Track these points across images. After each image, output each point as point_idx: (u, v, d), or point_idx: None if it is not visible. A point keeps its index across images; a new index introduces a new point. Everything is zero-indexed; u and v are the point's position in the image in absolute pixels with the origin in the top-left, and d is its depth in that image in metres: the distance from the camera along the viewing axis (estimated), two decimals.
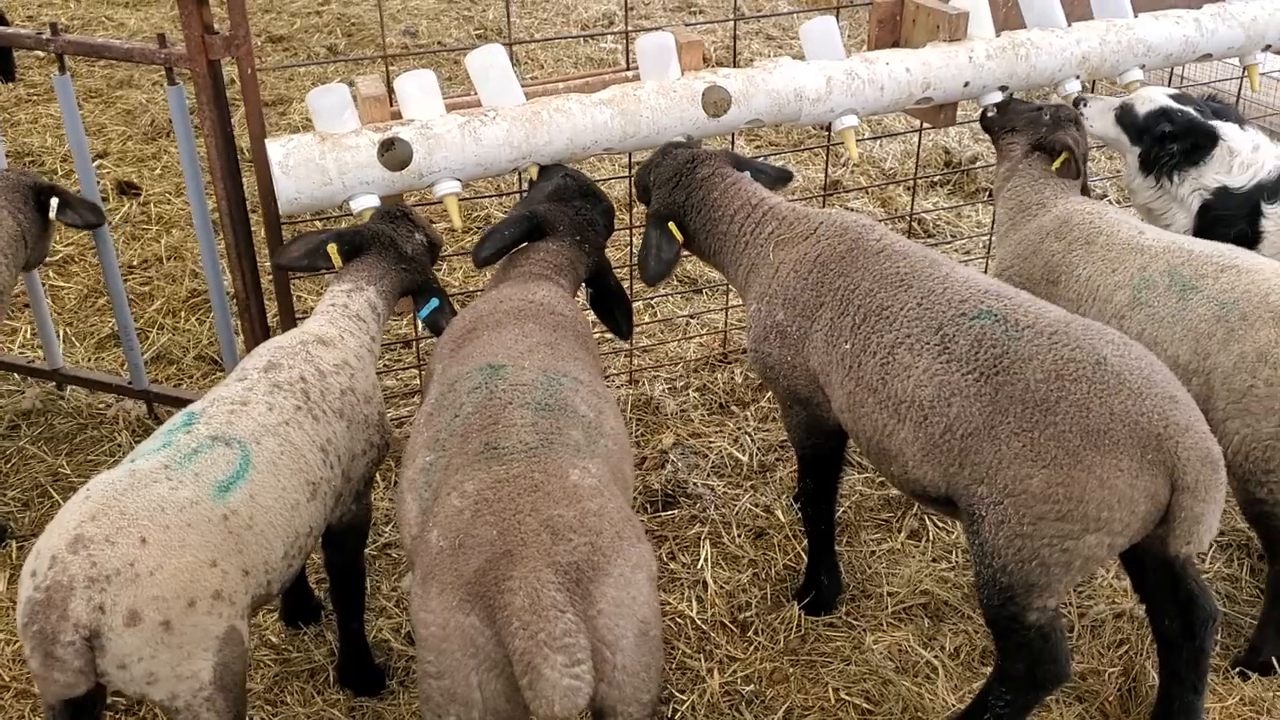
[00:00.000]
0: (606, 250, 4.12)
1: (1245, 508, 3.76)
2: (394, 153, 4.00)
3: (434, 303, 3.94)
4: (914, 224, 6.73)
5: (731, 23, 9.85)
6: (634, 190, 4.35)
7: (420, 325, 4.08)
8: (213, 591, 2.81)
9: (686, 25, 9.20)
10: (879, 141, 7.73)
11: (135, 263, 6.38)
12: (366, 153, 3.98)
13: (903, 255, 3.53)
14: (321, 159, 3.94)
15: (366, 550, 4.32)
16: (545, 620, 2.36)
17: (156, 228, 6.70)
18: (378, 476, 4.66)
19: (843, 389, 3.49)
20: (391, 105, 4.29)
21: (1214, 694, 3.70)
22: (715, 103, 4.39)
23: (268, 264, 4.29)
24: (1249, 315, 3.64)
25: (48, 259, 5.78)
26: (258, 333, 4.40)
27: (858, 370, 3.43)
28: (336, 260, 3.81)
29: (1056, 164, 4.28)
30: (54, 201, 4.50)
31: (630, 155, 5.00)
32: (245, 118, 4.07)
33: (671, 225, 4.01)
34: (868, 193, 7.17)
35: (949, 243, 6.63)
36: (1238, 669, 3.82)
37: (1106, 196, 6.91)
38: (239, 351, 4.57)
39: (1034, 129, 4.37)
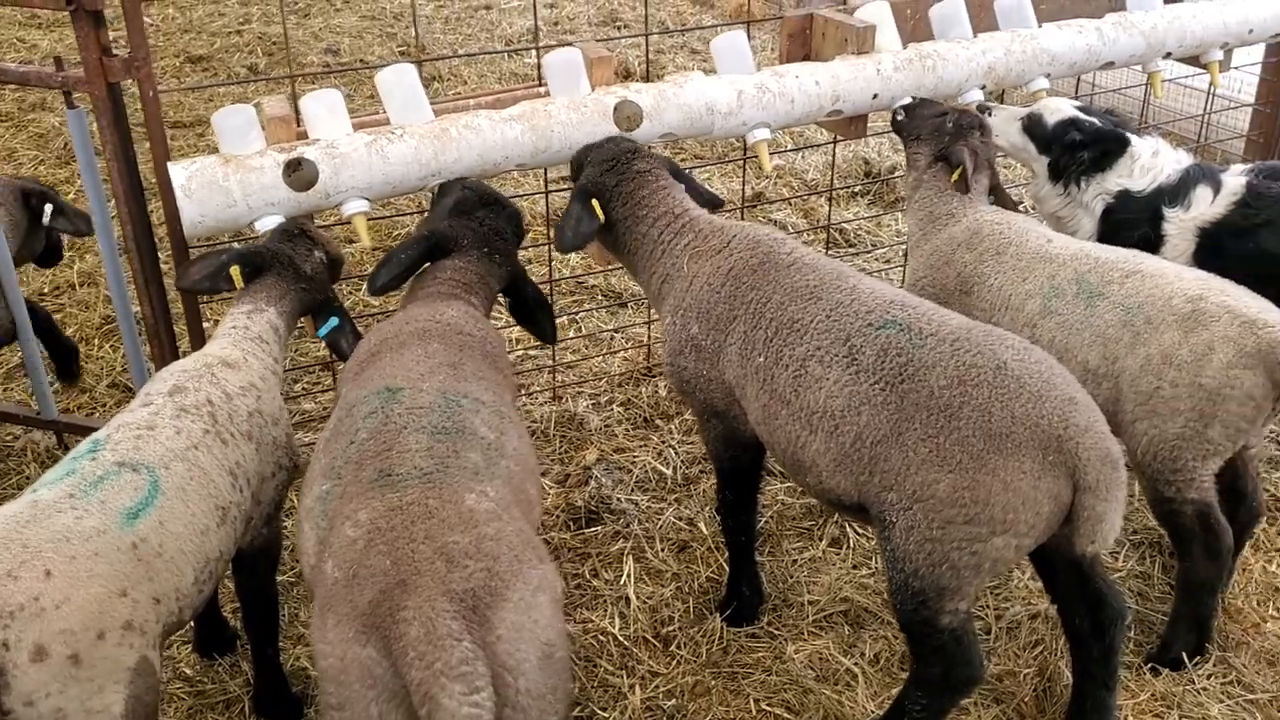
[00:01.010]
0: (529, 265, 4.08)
1: (1155, 506, 3.83)
2: (300, 173, 3.96)
3: (333, 321, 3.91)
4: (836, 234, 6.80)
5: (654, 36, 9.89)
6: (571, 169, 4.30)
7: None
8: (123, 622, 2.74)
9: (601, 40, 9.23)
10: (801, 153, 7.80)
11: (47, 289, 6.24)
12: (271, 174, 3.93)
13: (812, 268, 3.56)
14: (225, 181, 3.88)
15: (285, 577, 4.27)
16: (441, 649, 2.33)
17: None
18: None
19: (757, 402, 3.50)
20: (299, 125, 4.24)
21: (1127, 690, 3.76)
22: (628, 117, 4.39)
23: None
24: (1153, 319, 3.72)
25: None
26: (168, 358, 4.31)
27: (771, 383, 3.44)
28: (239, 281, 3.76)
29: (954, 177, 4.33)
30: (47, 207, 4.93)
31: (546, 171, 4.99)
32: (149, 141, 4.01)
33: (595, 203, 3.98)
34: (790, 204, 7.23)
35: (869, 252, 6.70)
36: (1150, 665, 3.88)
37: (1023, 203, 7.01)
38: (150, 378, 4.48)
39: (937, 138, 4.40)
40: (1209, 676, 3.83)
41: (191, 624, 3.93)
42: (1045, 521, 3.07)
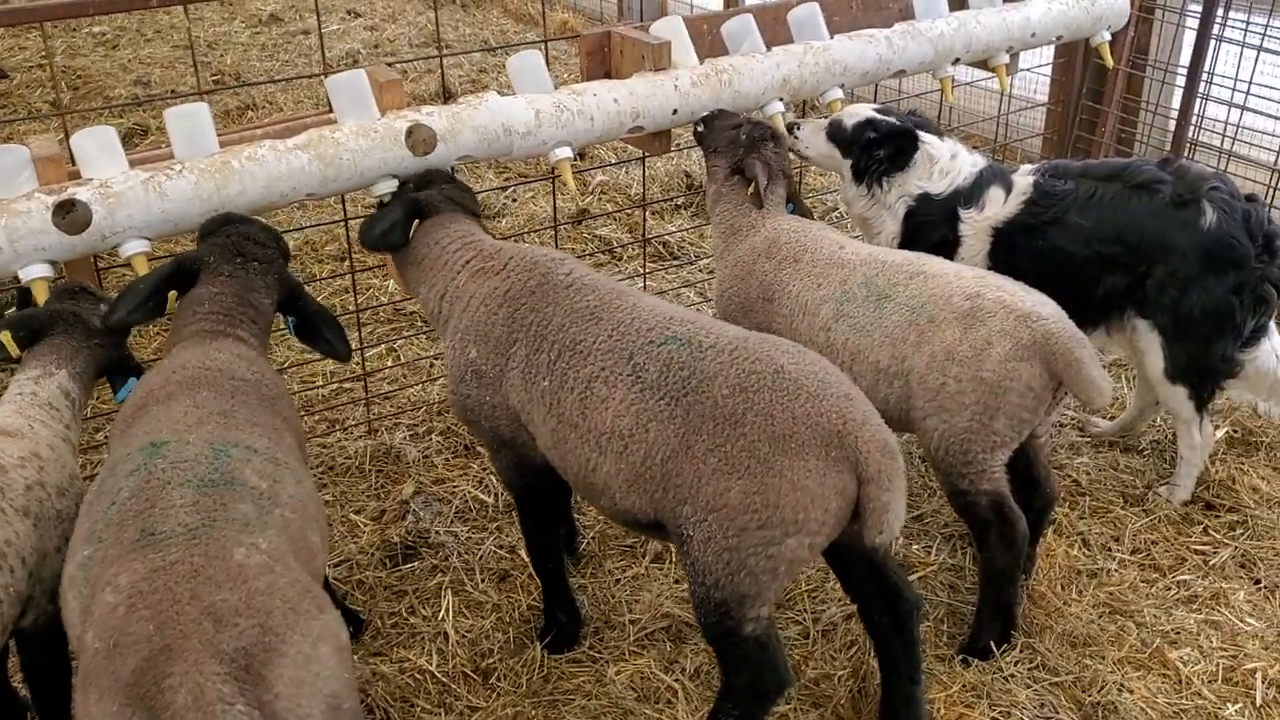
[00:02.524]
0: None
1: (951, 500, 3.93)
2: (73, 215, 3.76)
3: (132, 381, 3.68)
4: (660, 246, 6.84)
5: (477, 56, 9.81)
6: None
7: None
8: None
9: (390, 63, 9.11)
10: (624, 168, 7.83)
11: None
12: (40, 217, 3.73)
13: (591, 288, 3.56)
14: None
15: None
16: (211, 716, 2.23)
17: None
18: None
19: (545, 426, 3.47)
20: (71, 165, 4.04)
21: (939, 683, 3.84)
22: (422, 141, 4.31)
23: None
24: (936, 318, 3.83)
25: None
26: None
27: (558, 407, 3.41)
28: (13, 349, 3.51)
29: (749, 191, 4.38)
30: None
31: (345, 199, 4.88)
32: None
33: (416, 223, 3.97)
34: (615, 219, 7.24)
35: (693, 263, 6.76)
36: (961, 656, 3.98)
37: (838, 209, 7.19)
38: None
39: (733, 150, 4.45)
40: (1016, 663, 3.94)
41: None
42: (834, 517, 3.13)
